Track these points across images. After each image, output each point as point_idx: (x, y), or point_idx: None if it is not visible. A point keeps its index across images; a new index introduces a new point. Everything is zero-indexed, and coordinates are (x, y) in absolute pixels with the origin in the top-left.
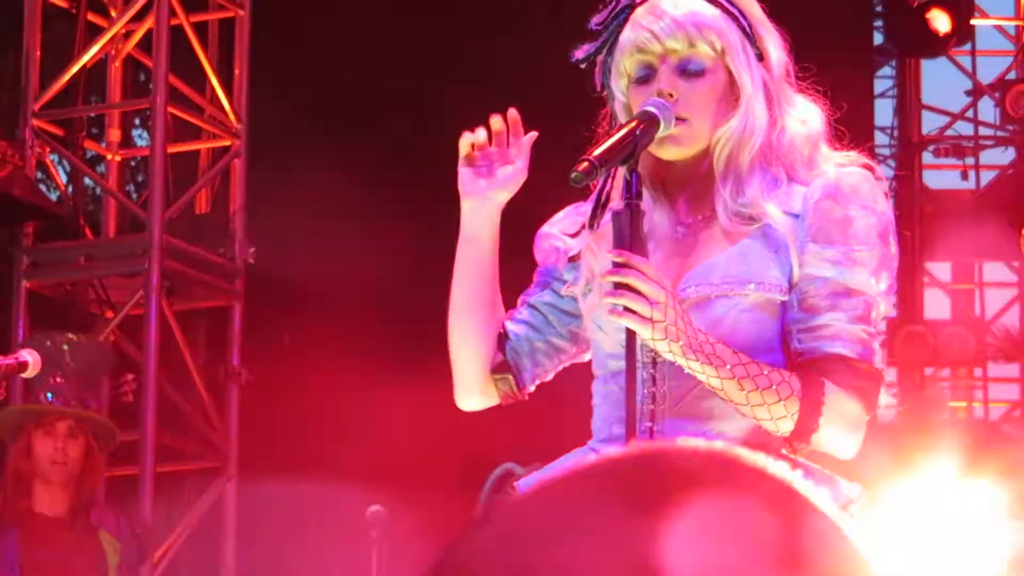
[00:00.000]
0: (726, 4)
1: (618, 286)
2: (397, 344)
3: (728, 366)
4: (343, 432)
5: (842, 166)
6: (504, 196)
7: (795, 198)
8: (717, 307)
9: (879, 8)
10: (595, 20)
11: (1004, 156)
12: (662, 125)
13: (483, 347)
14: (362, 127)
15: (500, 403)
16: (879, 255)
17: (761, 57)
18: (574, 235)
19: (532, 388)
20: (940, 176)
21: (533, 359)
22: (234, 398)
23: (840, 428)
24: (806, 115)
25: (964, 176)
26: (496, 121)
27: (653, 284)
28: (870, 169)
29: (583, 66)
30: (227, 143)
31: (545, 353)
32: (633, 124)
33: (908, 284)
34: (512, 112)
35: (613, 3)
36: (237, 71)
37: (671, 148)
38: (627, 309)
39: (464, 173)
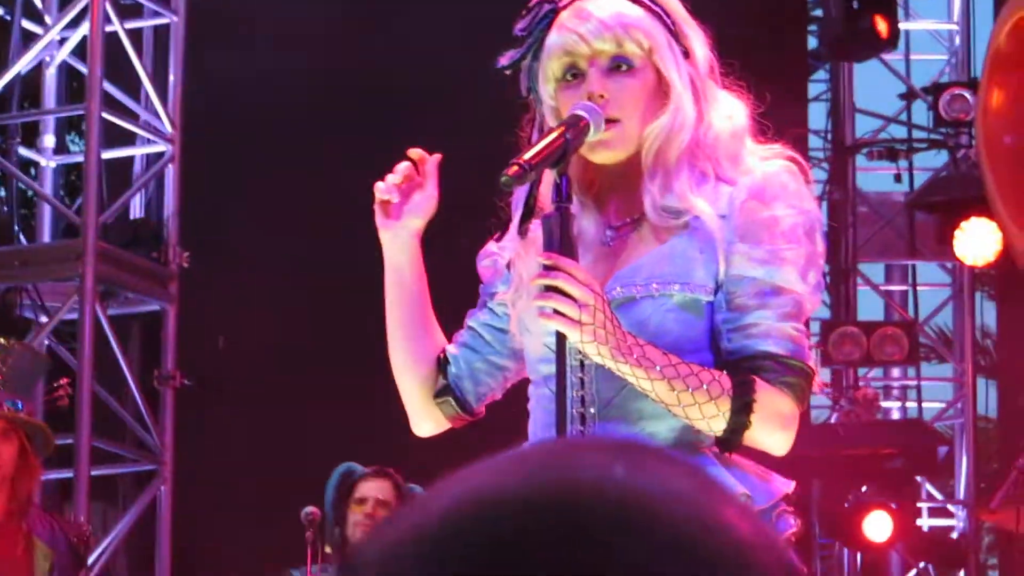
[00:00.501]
0: (650, 3)
1: (547, 289)
2: (334, 348)
3: (658, 367)
4: (278, 435)
5: (766, 159)
6: (418, 222)
7: (721, 198)
8: (643, 307)
9: (814, 12)
10: (519, 26)
11: (937, 159)
12: (592, 128)
13: (420, 374)
14: (299, 130)
15: (451, 426)
16: (806, 253)
17: (687, 54)
18: (499, 238)
19: (480, 407)
20: (874, 179)
21: (474, 380)
22: (169, 401)
23: (772, 425)
24: (731, 111)
25: (898, 179)
26: (400, 169)
27: (582, 287)
28: (795, 162)
29: (508, 72)
30: (161, 148)
31: (486, 372)
32: (563, 128)
33: (842, 285)
34: (414, 151)
35: (536, 8)
36: (172, 77)
37: (603, 152)
38: (556, 312)
39: (377, 208)
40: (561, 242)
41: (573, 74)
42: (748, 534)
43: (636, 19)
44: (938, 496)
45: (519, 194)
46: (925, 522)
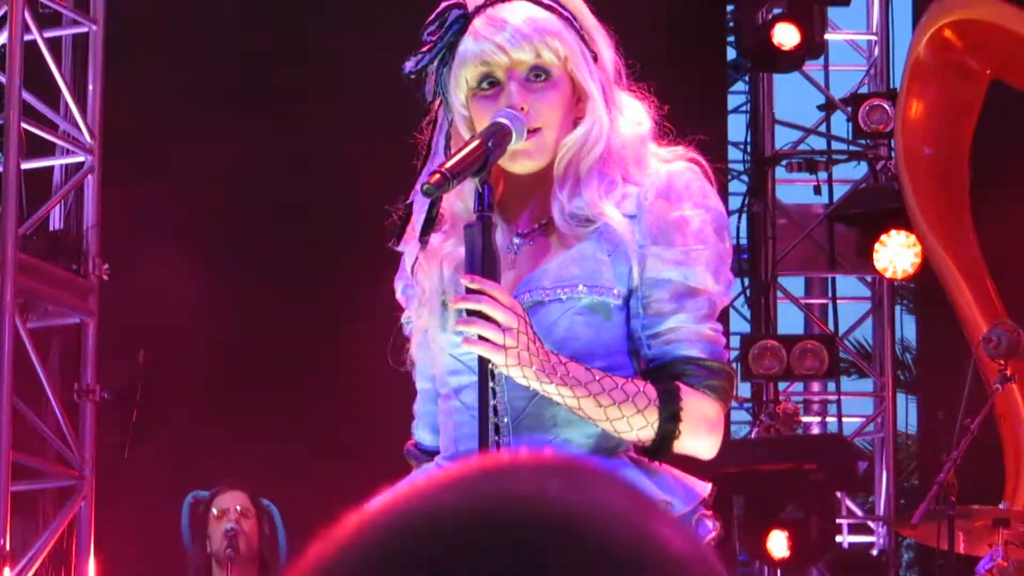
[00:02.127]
0: (560, 9)
1: (470, 313)
2: (255, 361)
3: (583, 384)
4: (200, 448)
5: (668, 161)
6: None
7: (629, 199)
8: (551, 311)
9: (732, 23)
10: (427, 30)
11: (857, 170)
12: (515, 136)
13: None
14: (218, 139)
15: None
16: (717, 252)
17: (596, 58)
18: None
19: None
20: (793, 191)
21: None
22: (89, 415)
23: (700, 431)
24: (638, 116)
25: (817, 191)
26: None
27: (506, 311)
28: (696, 163)
29: (412, 77)
30: (81, 159)
31: None
32: (484, 136)
33: (761, 298)
34: None
35: (445, 13)
36: (91, 86)
37: (523, 161)
38: (480, 337)
39: None
40: (484, 251)
41: (490, 83)
42: (682, 551)
43: (552, 27)
44: (858, 512)
45: (420, 203)
46: (845, 539)
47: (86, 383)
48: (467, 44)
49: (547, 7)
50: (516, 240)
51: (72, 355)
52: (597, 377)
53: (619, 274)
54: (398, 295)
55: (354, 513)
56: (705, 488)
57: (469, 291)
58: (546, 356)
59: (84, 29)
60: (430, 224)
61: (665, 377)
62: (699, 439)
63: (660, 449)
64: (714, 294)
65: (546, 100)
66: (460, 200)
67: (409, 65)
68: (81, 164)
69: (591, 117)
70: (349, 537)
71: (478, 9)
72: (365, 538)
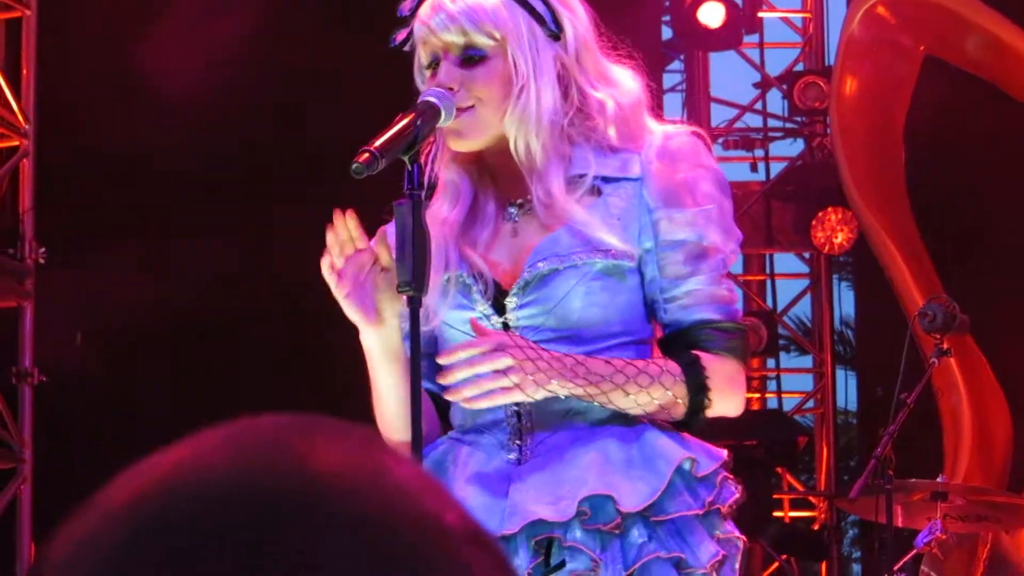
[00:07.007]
0: None
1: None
2: (191, 342)
3: (607, 377)
4: (139, 431)
5: (667, 131)
6: (399, 305)
7: (632, 164)
8: (568, 277)
9: (667, 3)
10: (404, 6)
11: (793, 147)
12: (443, 114)
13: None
14: (155, 121)
15: None
16: (724, 209)
17: (558, 37)
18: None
19: None
20: (730, 168)
21: None
22: (27, 399)
23: (727, 394)
24: (623, 87)
25: (754, 168)
26: (341, 230)
27: (492, 357)
28: (696, 135)
29: (406, 49)
30: (16, 143)
31: None
32: (413, 114)
33: None
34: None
35: None
36: (25, 71)
37: (458, 141)
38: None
39: (351, 304)
40: (415, 231)
41: (434, 61)
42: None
43: (487, 10)
44: (799, 487)
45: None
46: (786, 514)
47: (23, 367)
48: (415, 26)
49: None
50: (511, 209)
51: (9, 339)
52: (619, 367)
53: (627, 237)
54: None
55: (115, 483)
56: (723, 452)
57: (448, 366)
58: (561, 364)
59: (17, 14)
60: (430, 189)
61: (683, 346)
62: (727, 401)
63: (692, 421)
64: (726, 252)
65: (476, 78)
66: (446, 168)
67: (399, 37)
68: (16, 148)
69: (518, 92)
70: (107, 508)
71: None
72: (123, 505)
